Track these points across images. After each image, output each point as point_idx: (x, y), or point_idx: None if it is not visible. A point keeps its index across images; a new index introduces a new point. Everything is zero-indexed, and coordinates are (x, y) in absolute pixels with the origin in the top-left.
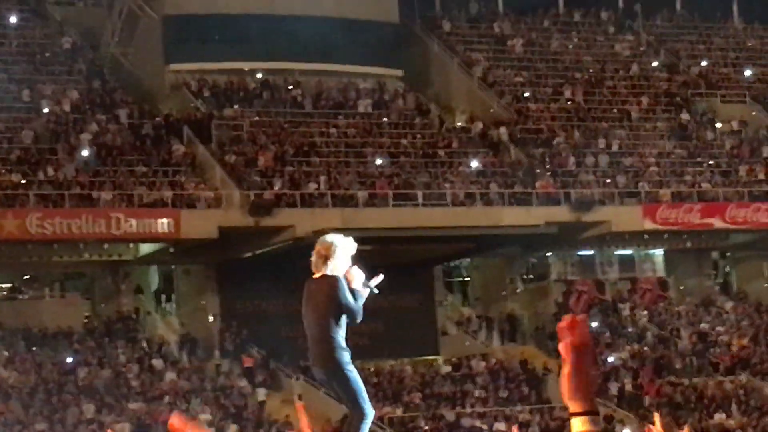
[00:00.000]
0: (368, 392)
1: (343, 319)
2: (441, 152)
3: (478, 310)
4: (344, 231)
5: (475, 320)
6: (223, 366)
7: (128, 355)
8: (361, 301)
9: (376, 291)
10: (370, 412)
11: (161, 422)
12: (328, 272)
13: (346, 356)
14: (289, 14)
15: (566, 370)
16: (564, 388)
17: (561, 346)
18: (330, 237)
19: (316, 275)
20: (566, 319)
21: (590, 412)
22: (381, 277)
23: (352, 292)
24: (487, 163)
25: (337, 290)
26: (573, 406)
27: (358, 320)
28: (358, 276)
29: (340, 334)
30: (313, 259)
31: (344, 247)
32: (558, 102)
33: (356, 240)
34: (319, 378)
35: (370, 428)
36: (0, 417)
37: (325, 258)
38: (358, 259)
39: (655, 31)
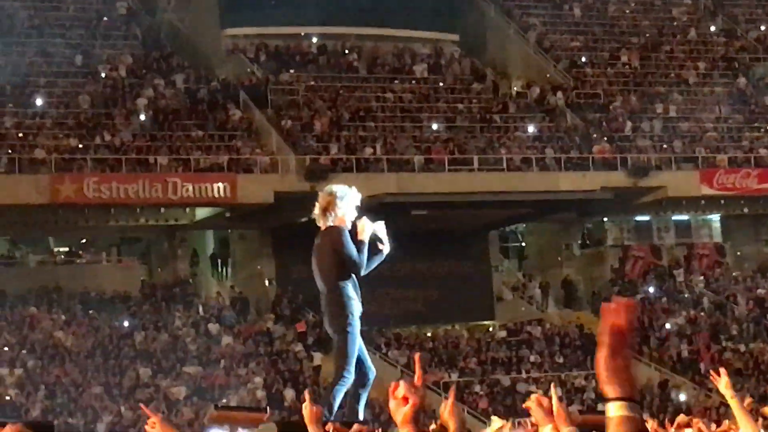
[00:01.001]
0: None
1: (353, 269)
2: (497, 117)
3: (534, 275)
4: (400, 196)
5: (530, 285)
6: (278, 330)
7: (184, 319)
8: (365, 255)
9: (386, 245)
10: (349, 377)
11: (215, 385)
12: (330, 224)
13: (350, 311)
14: None
15: (604, 352)
16: (600, 372)
17: (601, 326)
18: (330, 187)
19: (322, 227)
20: (616, 300)
21: (627, 398)
22: (381, 223)
23: (359, 244)
24: (543, 128)
25: (339, 243)
26: (610, 391)
27: (362, 273)
28: (367, 227)
29: (349, 287)
30: (316, 212)
31: (346, 197)
32: (614, 67)
33: (412, 205)
34: (327, 329)
35: (429, 391)
36: (57, 380)
37: (326, 209)
38: (414, 224)
39: None
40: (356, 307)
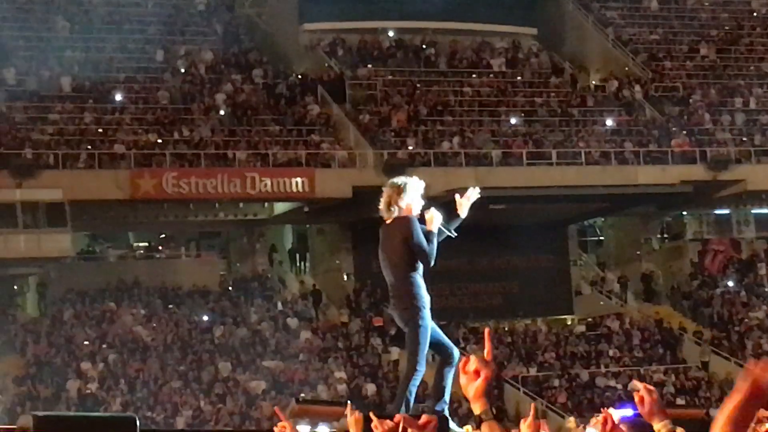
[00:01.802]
0: (502, 352)
1: (421, 260)
2: (575, 111)
3: (613, 269)
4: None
5: (609, 279)
6: (356, 325)
7: (263, 314)
8: (435, 244)
9: (453, 234)
10: (422, 370)
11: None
12: (396, 215)
13: (423, 301)
14: None
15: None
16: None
17: (740, 383)
18: (393, 180)
19: (388, 220)
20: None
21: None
22: (459, 219)
23: (428, 234)
24: (622, 121)
25: (410, 231)
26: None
27: (431, 263)
28: (436, 217)
29: (418, 278)
30: (382, 205)
31: (409, 187)
32: (693, 60)
33: (491, 199)
34: (398, 322)
35: (507, 385)
36: (137, 374)
37: (390, 202)
38: (492, 218)
39: None
40: (426, 298)
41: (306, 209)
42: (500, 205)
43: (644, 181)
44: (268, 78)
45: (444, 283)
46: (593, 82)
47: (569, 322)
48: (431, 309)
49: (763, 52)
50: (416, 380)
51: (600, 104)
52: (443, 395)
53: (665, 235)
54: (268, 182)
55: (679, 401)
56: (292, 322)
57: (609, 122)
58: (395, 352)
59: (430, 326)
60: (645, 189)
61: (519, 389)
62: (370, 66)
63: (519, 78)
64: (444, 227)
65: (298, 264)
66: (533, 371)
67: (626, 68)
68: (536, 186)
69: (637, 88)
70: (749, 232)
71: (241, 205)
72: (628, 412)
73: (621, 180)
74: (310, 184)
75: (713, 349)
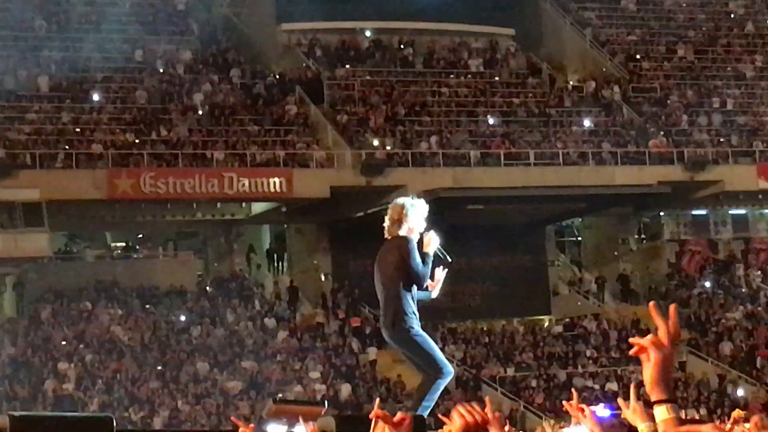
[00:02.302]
0: (480, 352)
1: (415, 281)
2: (553, 111)
3: (590, 269)
4: (456, 190)
5: (586, 280)
6: (333, 325)
7: (240, 314)
8: (429, 267)
9: (450, 259)
10: (448, 371)
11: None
12: (402, 232)
13: (412, 321)
14: None
15: (654, 360)
16: (649, 378)
17: (648, 340)
18: (401, 200)
19: (388, 237)
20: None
21: (671, 400)
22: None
23: (424, 256)
24: (600, 122)
25: (405, 252)
26: (656, 394)
27: (423, 285)
28: (434, 240)
29: (409, 298)
30: (386, 224)
31: (416, 209)
32: (671, 61)
33: (468, 200)
34: (387, 340)
35: (485, 386)
36: (114, 374)
37: (398, 221)
38: (470, 218)
39: None
40: (415, 317)
41: (284, 209)
42: (478, 205)
43: (622, 182)
44: (246, 78)
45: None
46: (571, 83)
47: (546, 323)
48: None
49: (740, 53)
50: (442, 383)
51: (577, 105)
52: (427, 402)
53: (642, 236)
54: (246, 182)
55: None
56: (270, 322)
57: (586, 123)
58: (372, 352)
59: (424, 335)
60: (622, 189)
61: (496, 389)
62: (347, 66)
63: (497, 78)
64: (440, 251)
65: (275, 264)
66: (510, 371)
67: (604, 69)
68: (514, 186)
69: (615, 88)
70: (726, 233)
71: (218, 205)
72: (605, 412)
73: (598, 180)
74: (288, 184)
75: (690, 350)
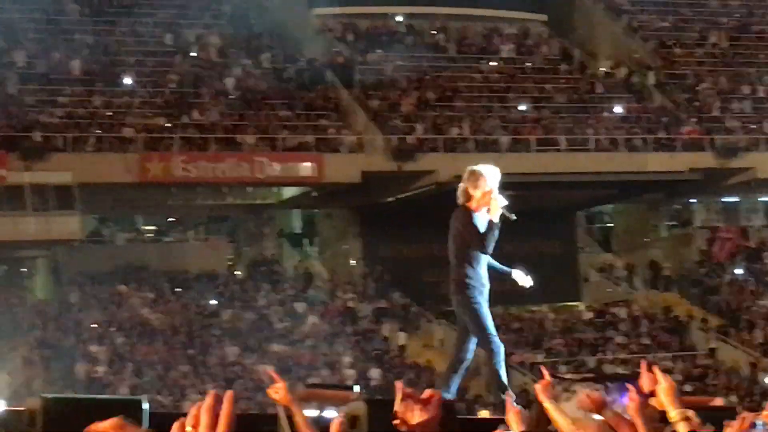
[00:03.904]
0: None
1: (476, 249)
2: (584, 98)
3: (621, 256)
4: None
5: (617, 266)
6: (363, 310)
7: (271, 298)
8: (493, 232)
9: (513, 217)
10: (499, 348)
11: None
12: (473, 202)
13: (473, 290)
14: None
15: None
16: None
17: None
18: (474, 168)
19: (458, 205)
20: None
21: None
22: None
23: (490, 222)
24: (631, 108)
25: (462, 221)
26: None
27: (487, 250)
28: (500, 202)
29: (471, 266)
30: (459, 191)
31: (488, 176)
32: (703, 47)
33: (499, 186)
34: (454, 307)
35: (514, 371)
36: (145, 358)
37: (471, 188)
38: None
39: None
40: (480, 285)
41: (314, 194)
42: (508, 191)
43: (653, 168)
44: (278, 62)
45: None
46: (602, 69)
47: (577, 309)
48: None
49: None
50: (499, 357)
51: (609, 91)
52: (448, 389)
53: (674, 223)
54: (277, 167)
55: (687, 388)
56: (300, 306)
57: (618, 109)
58: (402, 336)
59: (484, 307)
60: (654, 176)
61: (526, 375)
62: (379, 51)
63: (528, 64)
64: (506, 211)
65: (305, 248)
66: (540, 357)
67: (636, 55)
68: (545, 172)
69: (647, 75)
70: (758, 220)
71: (249, 189)
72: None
73: (630, 167)
74: (318, 169)
75: (720, 337)
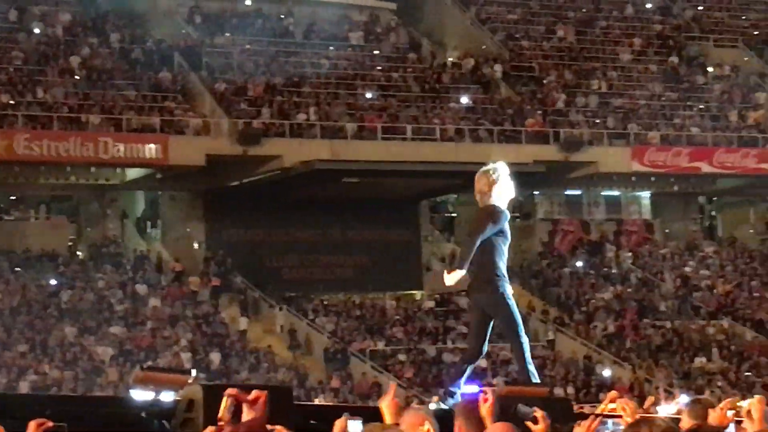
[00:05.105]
0: (351, 325)
1: (503, 246)
2: (431, 87)
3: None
4: (332, 163)
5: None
6: (205, 294)
7: (112, 279)
8: (470, 255)
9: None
10: (526, 341)
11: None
12: (493, 200)
13: (505, 285)
14: None
15: None
16: None
17: None
18: (485, 169)
19: (480, 206)
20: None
21: None
22: None
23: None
24: (478, 99)
25: (493, 219)
26: None
27: (452, 277)
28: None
29: (501, 262)
30: (477, 196)
31: (501, 174)
32: (550, 41)
33: (344, 172)
34: (475, 303)
35: (354, 358)
36: None
37: (488, 190)
38: (346, 191)
39: None
40: (508, 283)
41: (158, 176)
42: (354, 178)
43: (497, 159)
44: (125, 42)
45: (295, 254)
46: (450, 59)
47: (418, 298)
48: None
49: (619, 36)
50: (525, 351)
51: (456, 81)
52: (530, 367)
53: (516, 214)
54: (121, 147)
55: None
56: (141, 288)
57: (464, 100)
58: (243, 321)
59: (514, 304)
60: None
61: (366, 362)
62: (227, 34)
63: (376, 52)
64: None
65: (148, 231)
66: (381, 345)
67: (483, 47)
68: (390, 161)
69: (494, 66)
70: (599, 214)
71: (93, 169)
72: (473, 388)
73: (474, 157)
74: (163, 151)
75: (559, 328)
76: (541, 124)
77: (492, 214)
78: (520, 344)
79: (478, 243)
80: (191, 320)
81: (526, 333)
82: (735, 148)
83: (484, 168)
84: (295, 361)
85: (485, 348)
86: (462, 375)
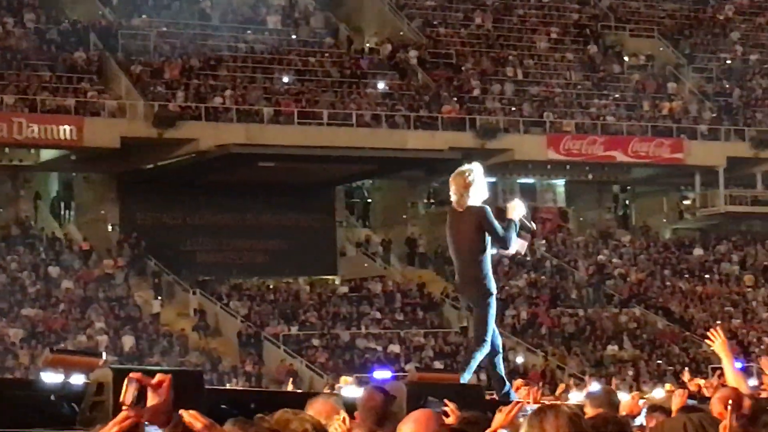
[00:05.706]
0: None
1: (489, 247)
2: (348, 72)
3: (379, 231)
4: (248, 146)
5: (374, 242)
6: (119, 276)
7: (25, 261)
8: (513, 231)
9: (533, 227)
10: (488, 346)
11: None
12: (471, 201)
13: (491, 284)
14: None
15: None
16: None
17: None
18: (461, 169)
19: (460, 209)
20: None
21: None
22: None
23: (507, 222)
24: (394, 85)
25: (486, 221)
26: None
27: (509, 247)
28: (518, 208)
29: (488, 262)
30: (454, 197)
31: (478, 173)
32: (468, 28)
33: (260, 156)
34: (465, 304)
35: (267, 343)
36: None
37: (466, 190)
38: (261, 175)
39: None
40: (494, 283)
41: (73, 157)
42: (269, 162)
43: (413, 146)
44: (40, 23)
45: (210, 238)
46: (368, 45)
47: (332, 283)
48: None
49: (536, 24)
50: (480, 354)
51: (373, 67)
52: (504, 383)
53: (432, 201)
54: (35, 128)
55: (437, 365)
56: (54, 270)
57: (381, 85)
58: (156, 304)
59: (496, 311)
60: (414, 153)
61: (279, 347)
62: (144, 16)
63: (294, 36)
64: (525, 220)
65: (62, 212)
66: (294, 330)
67: (401, 33)
68: (306, 145)
69: (411, 53)
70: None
71: (6, 150)
72: (385, 374)
73: (390, 143)
74: (77, 133)
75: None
76: (457, 111)
77: (488, 212)
78: (479, 350)
79: (502, 230)
80: (104, 302)
81: (440, 319)
82: (649, 138)
83: (460, 169)
84: (207, 344)
85: (499, 339)
86: (496, 369)
